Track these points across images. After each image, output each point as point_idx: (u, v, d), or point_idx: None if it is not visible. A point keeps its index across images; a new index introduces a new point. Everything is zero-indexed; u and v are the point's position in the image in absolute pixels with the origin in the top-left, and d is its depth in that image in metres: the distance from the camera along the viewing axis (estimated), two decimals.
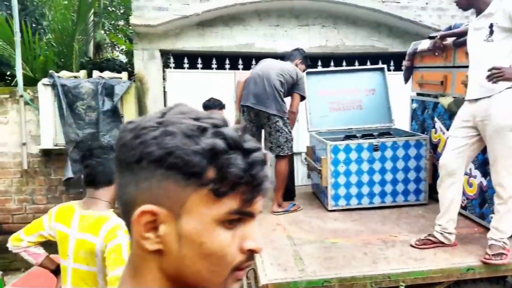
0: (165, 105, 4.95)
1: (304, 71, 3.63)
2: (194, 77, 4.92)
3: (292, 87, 3.39)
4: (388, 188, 3.37)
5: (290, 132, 3.34)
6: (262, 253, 2.63)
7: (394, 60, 5.19)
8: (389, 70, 4.52)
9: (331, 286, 2.29)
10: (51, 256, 2.01)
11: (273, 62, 3.48)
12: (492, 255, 2.35)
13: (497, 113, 2.30)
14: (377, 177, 3.35)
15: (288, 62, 3.53)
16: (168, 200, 0.55)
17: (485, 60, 2.35)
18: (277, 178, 3.39)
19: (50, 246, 1.96)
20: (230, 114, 4.78)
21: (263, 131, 3.46)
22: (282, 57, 3.71)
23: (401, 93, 4.12)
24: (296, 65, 3.54)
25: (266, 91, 3.26)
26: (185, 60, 4.93)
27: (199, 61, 4.95)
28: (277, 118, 3.26)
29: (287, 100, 3.42)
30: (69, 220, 1.79)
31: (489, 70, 2.29)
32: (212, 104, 3.90)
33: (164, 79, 4.94)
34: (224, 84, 4.85)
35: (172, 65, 4.99)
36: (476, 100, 2.42)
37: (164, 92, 4.94)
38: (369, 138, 3.48)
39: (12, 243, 1.87)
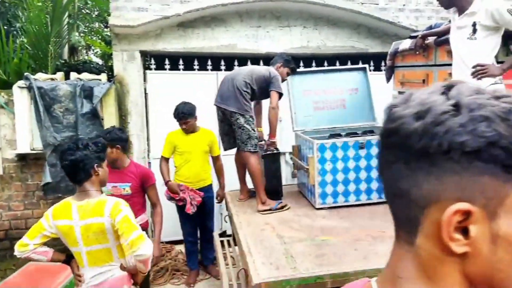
0: (146, 107, 4.88)
1: (288, 74, 3.71)
2: (175, 78, 4.87)
3: (268, 86, 3.46)
4: (374, 185, 3.42)
5: (253, 129, 3.42)
6: (252, 252, 2.61)
7: (373, 60, 5.29)
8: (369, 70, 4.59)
9: (323, 282, 2.29)
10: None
11: (247, 67, 3.68)
12: None
13: None
14: (363, 175, 3.39)
15: (269, 67, 3.63)
16: (483, 197, 0.49)
17: (469, 57, 2.43)
18: (251, 176, 3.45)
19: None
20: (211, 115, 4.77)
21: None
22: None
23: (382, 92, 4.19)
24: (278, 69, 3.61)
25: (229, 90, 3.42)
26: (166, 62, 4.87)
27: (181, 62, 4.90)
28: (238, 116, 3.37)
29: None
30: (68, 214, 2.00)
31: (473, 67, 2.36)
32: (184, 114, 3.82)
33: (144, 80, 4.86)
34: (206, 85, 4.82)
35: (152, 66, 4.91)
36: None
37: (145, 94, 4.86)
38: (353, 137, 3.52)
39: (19, 249, 2.03)
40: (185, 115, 3.84)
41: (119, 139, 3.06)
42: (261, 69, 3.57)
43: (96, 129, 4.41)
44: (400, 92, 3.80)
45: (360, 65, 4.26)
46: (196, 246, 4.22)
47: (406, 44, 3.49)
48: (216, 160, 4.15)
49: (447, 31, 2.77)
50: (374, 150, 3.38)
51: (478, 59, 2.37)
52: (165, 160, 4.01)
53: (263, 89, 3.47)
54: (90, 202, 2.02)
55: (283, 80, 3.64)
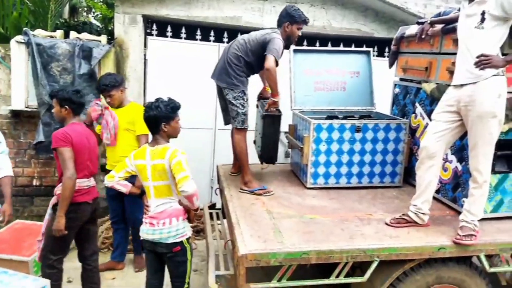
0: (145, 73, 4.81)
1: (300, 29, 3.30)
2: (176, 46, 4.79)
3: (264, 51, 3.15)
4: (366, 169, 3.43)
5: (242, 106, 3.25)
6: (241, 225, 2.64)
7: (378, 45, 5.23)
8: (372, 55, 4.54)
9: (309, 258, 2.33)
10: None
11: (245, 35, 3.36)
12: (463, 235, 2.45)
13: (481, 99, 2.37)
14: (356, 158, 3.40)
15: (270, 30, 3.32)
16: None
17: (474, 46, 2.40)
18: (236, 154, 3.42)
19: None
20: (211, 90, 4.73)
21: None
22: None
23: (383, 78, 4.17)
24: (285, 29, 3.26)
25: (221, 65, 3.34)
26: (169, 29, 4.78)
27: (183, 30, 4.81)
28: (227, 91, 3.30)
29: None
30: (144, 155, 2.60)
31: (477, 57, 2.34)
32: (106, 86, 3.40)
33: (145, 46, 4.78)
34: (207, 57, 4.74)
35: (154, 32, 4.83)
36: (462, 85, 2.48)
37: (145, 60, 4.78)
38: (351, 120, 3.51)
39: (108, 179, 2.69)
40: (107, 87, 3.38)
41: (69, 100, 2.86)
42: (258, 35, 3.26)
43: (92, 91, 4.35)
44: (401, 79, 3.78)
45: (364, 49, 4.21)
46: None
47: (413, 30, 3.44)
48: (138, 140, 3.49)
49: (455, 19, 2.74)
50: (370, 135, 3.38)
51: (483, 49, 2.34)
52: None
53: (262, 58, 3.14)
54: (158, 147, 2.58)
55: (295, 39, 3.34)
